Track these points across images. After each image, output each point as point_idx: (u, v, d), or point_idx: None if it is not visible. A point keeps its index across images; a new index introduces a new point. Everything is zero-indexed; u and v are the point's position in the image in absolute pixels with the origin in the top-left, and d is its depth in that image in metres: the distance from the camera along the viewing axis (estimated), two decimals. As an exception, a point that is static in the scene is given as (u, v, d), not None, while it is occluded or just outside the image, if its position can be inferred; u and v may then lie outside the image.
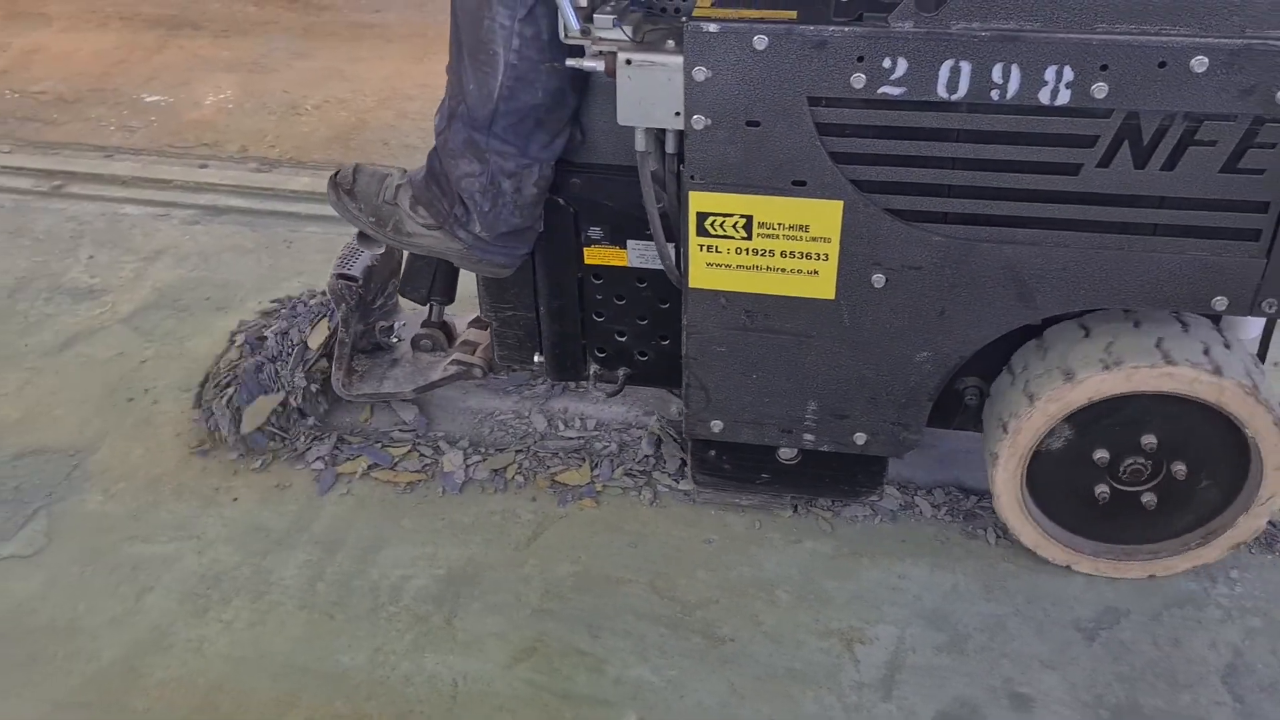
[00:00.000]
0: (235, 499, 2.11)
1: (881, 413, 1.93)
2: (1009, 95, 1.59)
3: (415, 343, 2.32)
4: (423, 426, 2.27)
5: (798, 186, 1.72)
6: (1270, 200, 1.62)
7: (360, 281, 2.22)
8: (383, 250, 2.21)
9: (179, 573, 1.96)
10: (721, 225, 1.77)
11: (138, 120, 3.59)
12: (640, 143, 1.76)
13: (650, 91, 1.69)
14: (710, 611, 1.89)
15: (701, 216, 1.77)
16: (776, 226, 1.76)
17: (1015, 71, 1.57)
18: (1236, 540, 1.91)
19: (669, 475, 2.15)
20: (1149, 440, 1.84)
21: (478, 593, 1.92)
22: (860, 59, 1.60)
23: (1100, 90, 1.56)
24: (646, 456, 2.19)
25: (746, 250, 1.79)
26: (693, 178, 1.73)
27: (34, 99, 3.78)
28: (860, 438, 1.96)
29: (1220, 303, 1.71)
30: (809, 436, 1.97)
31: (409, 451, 2.21)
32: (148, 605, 1.90)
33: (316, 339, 2.31)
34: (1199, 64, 1.53)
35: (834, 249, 1.77)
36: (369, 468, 2.17)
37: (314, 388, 2.27)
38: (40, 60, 4.08)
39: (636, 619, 1.88)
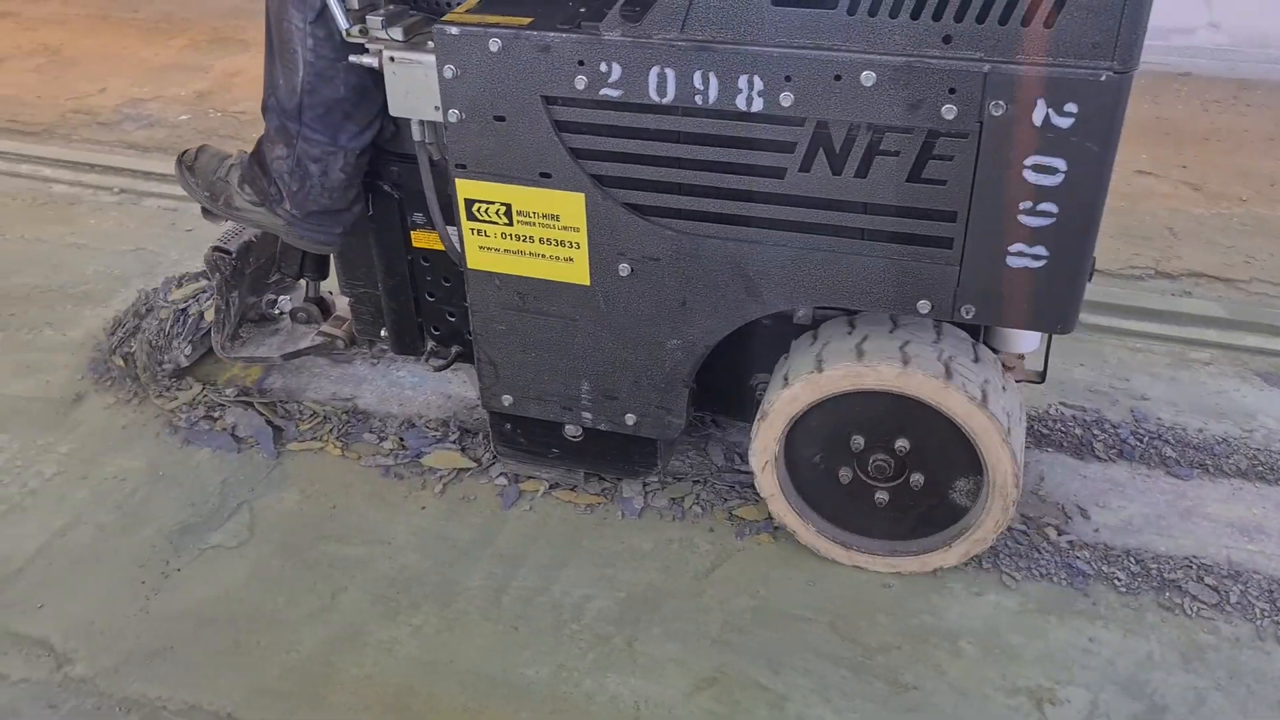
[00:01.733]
0: (423, 508, 2.18)
1: (645, 396, 2.02)
2: (711, 100, 1.71)
3: (293, 315, 2.51)
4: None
5: (545, 179, 1.84)
6: (957, 210, 1.69)
7: (234, 255, 2.41)
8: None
9: (371, 575, 2.03)
10: (486, 211, 1.91)
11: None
12: (417, 133, 1.92)
13: (414, 87, 1.86)
14: (892, 657, 1.87)
15: (469, 203, 1.91)
16: (532, 215, 1.89)
17: (713, 79, 1.69)
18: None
19: (847, 516, 2.13)
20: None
21: (657, 618, 1.94)
22: (581, 63, 1.73)
23: (787, 99, 1.67)
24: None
25: (510, 235, 1.92)
26: (458, 166, 1.87)
27: (235, 118, 4.02)
28: (631, 419, 2.06)
29: (924, 306, 1.78)
30: (587, 415, 2.08)
31: (586, 476, 2.25)
32: (342, 604, 1.98)
33: (210, 313, 2.52)
34: (868, 78, 1.63)
35: (583, 238, 1.88)
36: (551, 487, 2.21)
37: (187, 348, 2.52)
38: (240, 82, 4.33)
39: (817, 658, 1.87)
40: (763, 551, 2.07)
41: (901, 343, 1.87)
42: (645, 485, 2.21)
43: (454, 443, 2.33)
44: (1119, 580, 2.00)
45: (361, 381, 2.53)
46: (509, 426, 2.19)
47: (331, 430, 2.36)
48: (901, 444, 1.93)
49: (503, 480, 2.23)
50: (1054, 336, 2.07)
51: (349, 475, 2.26)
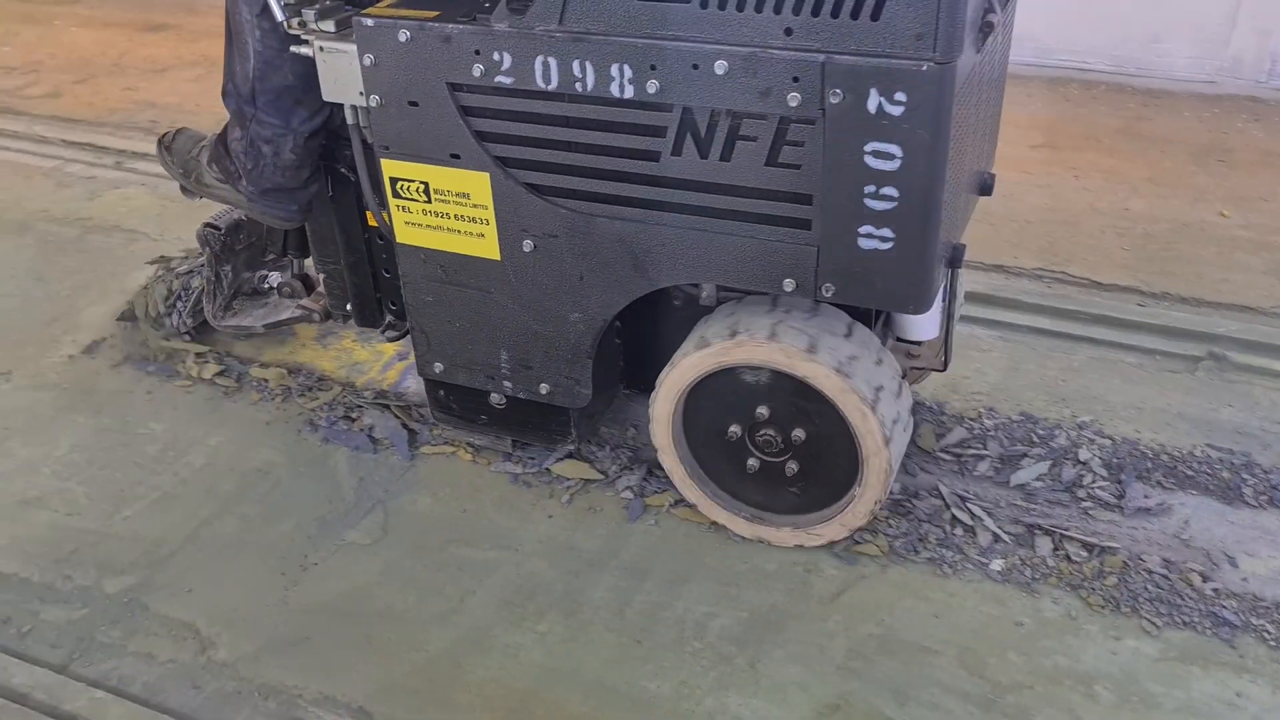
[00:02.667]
0: (550, 516, 2.21)
1: (555, 366, 2.11)
2: (589, 88, 1.81)
3: (280, 290, 2.67)
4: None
5: (455, 159, 1.96)
6: (812, 194, 1.76)
7: (223, 230, 2.58)
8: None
9: (498, 580, 2.07)
10: (408, 189, 2.05)
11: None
12: (350, 117, 2.07)
13: (341, 75, 2.01)
14: (1023, 697, 1.81)
15: (394, 181, 2.05)
16: (447, 193, 2.01)
17: (590, 67, 1.79)
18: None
19: (977, 549, 2.09)
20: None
21: (780, 640, 1.92)
22: (477, 52, 1.85)
23: (654, 86, 1.76)
24: (954, 528, 2.13)
25: (430, 212, 2.05)
26: (382, 148, 2.03)
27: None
28: (544, 388, 2.15)
29: (789, 284, 1.85)
30: (507, 384, 2.19)
31: (712, 492, 2.25)
32: (470, 606, 2.01)
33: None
34: (720, 67, 1.71)
35: (491, 216, 1.99)
36: (675, 503, 2.22)
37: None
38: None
39: (944, 692, 1.83)
40: (889, 579, 2.04)
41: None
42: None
43: (582, 454, 2.36)
44: (1269, 633, 1.91)
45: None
46: (442, 393, 2.31)
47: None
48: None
49: (628, 494, 2.25)
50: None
51: (479, 480, 2.31)
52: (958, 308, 2.23)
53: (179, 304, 2.75)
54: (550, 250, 1.98)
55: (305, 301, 2.61)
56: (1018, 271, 2.98)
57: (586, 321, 2.04)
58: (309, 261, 2.54)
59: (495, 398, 2.25)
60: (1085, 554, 2.06)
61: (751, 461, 2.04)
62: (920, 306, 1.82)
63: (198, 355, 2.65)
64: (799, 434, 1.98)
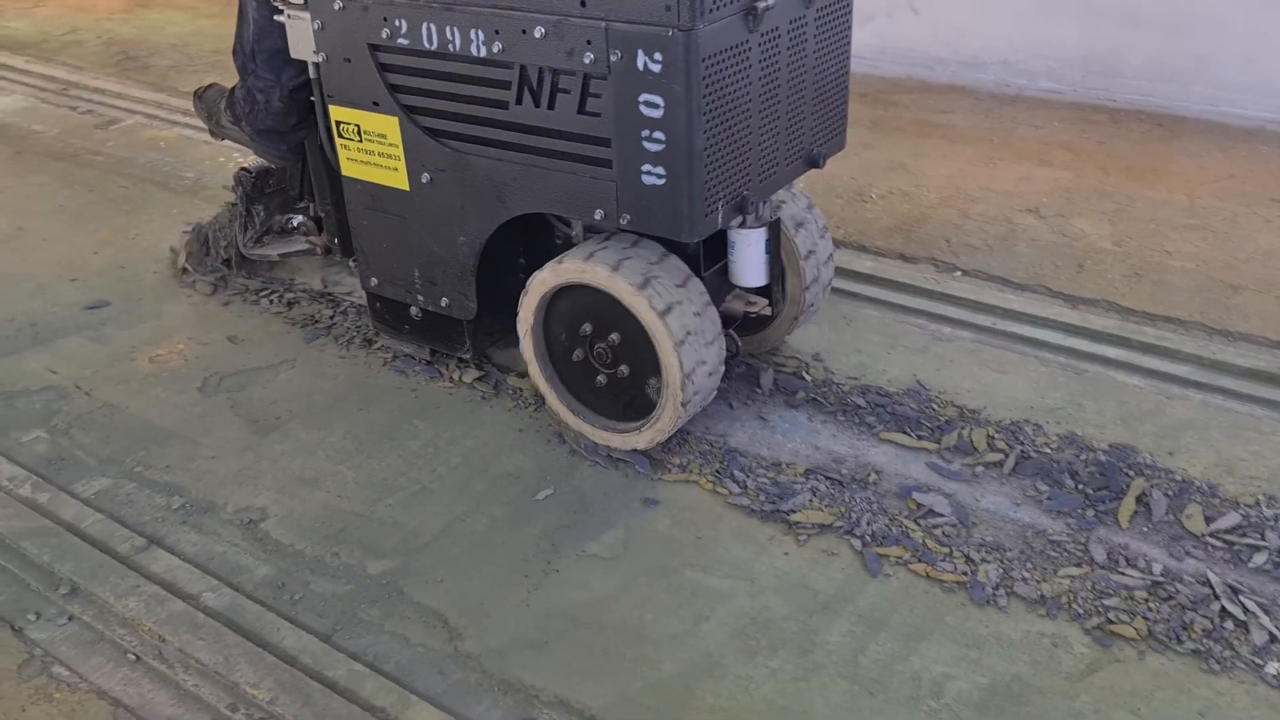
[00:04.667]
0: (786, 554, 2.20)
1: (451, 282, 2.56)
2: (457, 48, 2.25)
3: (298, 229, 3.19)
4: (963, 528, 2.24)
5: (376, 106, 2.45)
6: (610, 138, 2.13)
7: (253, 174, 3.09)
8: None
9: (732, 609, 2.08)
10: (347, 130, 2.55)
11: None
12: (312, 72, 2.58)
13: (302, 37, 2.53)
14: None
15: (338, 124, 2.56)
16: (372, 134, 2.50)
17: (456, 31, 2.24)
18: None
19: (1250, 648, 1.93)
20: (614, 337, 2.36)
21: (1024, 714, 1.84)
22: (384, 19, 2.34)
23: (498, 47, 2.19)
24: (1223, 620, 1.98)
25: (361, 150, 2.55)
26: (328, 96, 2.54)
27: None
28: (445, 301, 2.60)
29: (599, 214, 2.22)
30: (420, 298, 2.64)
31: (950, 553, 2.18)
32: (704, 632, 2.03)
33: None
34: (539, 31, 2.12)
35: (401, 153, 2.47)
36: (911, 557, 2.17)
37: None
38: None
39: (1208, 796, 1.70)
40: (1145, 667, 1.91)
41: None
42: (1007, 570, 2.12)
43: (818, 495, 2.34)
44: None
45: (735, 420, 2.61)
46: (379, 305, 2.79)
47: (703, 465, 2.45)
48: (615, 338, 2.35)
49: (869, 540, 2.21)
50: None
51: (717, 509, 2.33)
52: (810, 268, 2.58)
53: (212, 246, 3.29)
54: (441, 183, 2.44)
55: (311, 237, 3.13)
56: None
57: (469, 244, 2.48)
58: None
59: (414, 310, 2.70)
60: (1379, 668, 1.87)
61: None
62: (689, 235, 2.15)
63: (433, 352, 2.89)
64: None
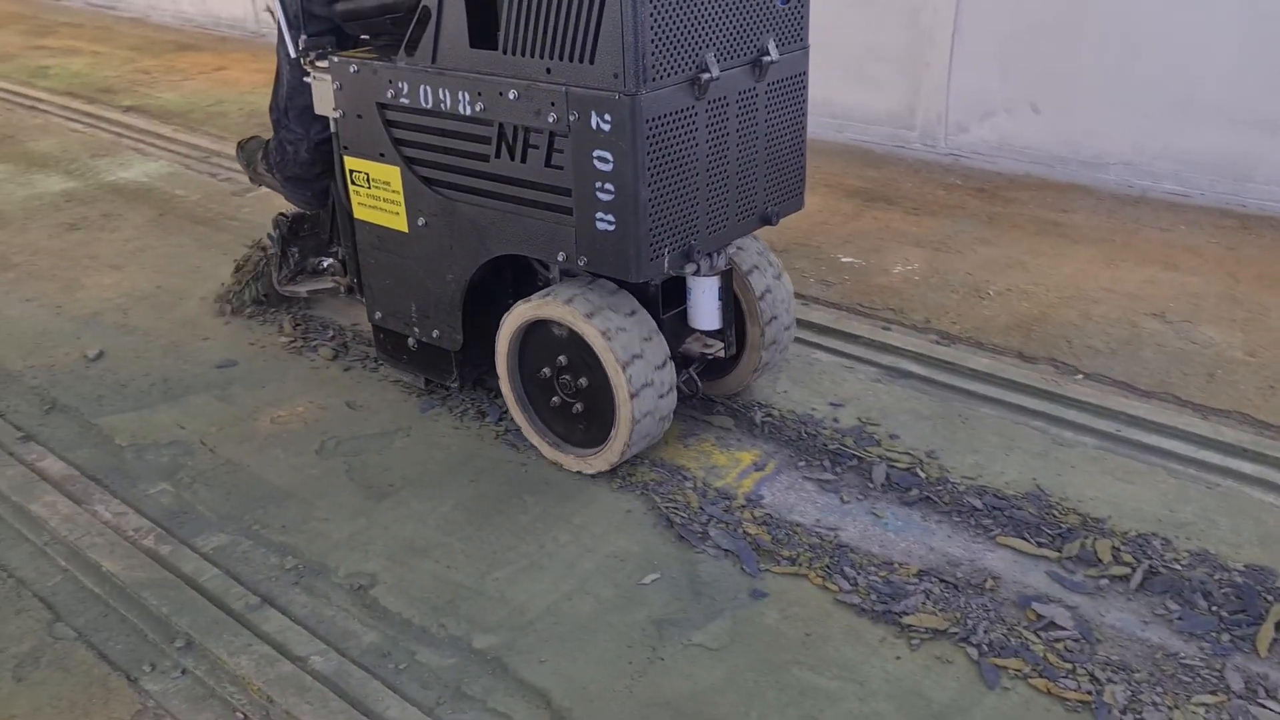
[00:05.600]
0: (898, 658, 2.13)
1: (441, 316, 2.83)
2: (448, 107, 2.55)
3: (328, 270, 3.47)
4: (1087, 645, 2.14)
5: (382, 157, 2.77)
6: (571, 188, 2.38)
7: (289, 219, 3.41)
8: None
9: (841, 712, 2.00)
10: (357, 178, 2.87)
11: (834, 276, 3.88)
12: (333, 126, 2.90)
13: (324, 95, 2.88)
14: None
15: (351, 172, 2.88)
16: (378, 181, 2.81)
17: (447, 93, 2.54)
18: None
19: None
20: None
21: None
22: (390, 81, 2.66)
23: (480, 107, 2.48)
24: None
25: (370, 195, 2.86)
26: (344, 147, 2.86)
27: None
28: (435, 333, 2.87)
29: (562, 255, 2.47)
30: (416, 329, 2.92)
31: (1074, 670, 2.09)
32: (811, 733, 1.97)
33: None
34: (513, 95, 2.40)
35: (401, 199, 2.78)
36: (1032, 670, 2.08)
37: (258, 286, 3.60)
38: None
39: None
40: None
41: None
42: (1136, 693, 2.01)
43: (931, 598, 2.27)
44: None
45: (846, 514, 2.56)
46: (382, 336, 3.07)
47: (813, 560, 2.41)
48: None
49: (985, 649, 2.13)
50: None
51: (826, 605, 2.27)
52: (767, 306, 2.79)
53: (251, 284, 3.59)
54: (434, 226, 2.73)
55: (337, 277, 3.41)
56: None
57: (456, 281, 2.76)
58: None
59: (411, 341, 2.96)
60: None
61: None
62: (636, 276, 2.37)
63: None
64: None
